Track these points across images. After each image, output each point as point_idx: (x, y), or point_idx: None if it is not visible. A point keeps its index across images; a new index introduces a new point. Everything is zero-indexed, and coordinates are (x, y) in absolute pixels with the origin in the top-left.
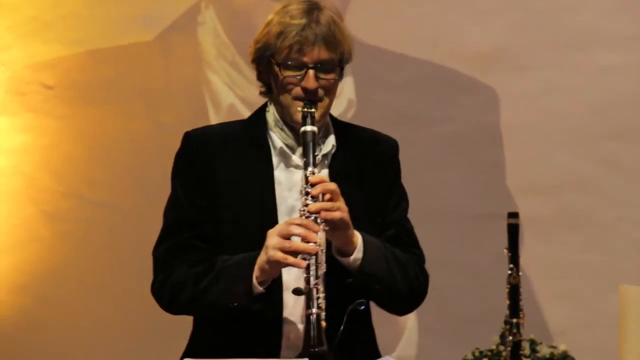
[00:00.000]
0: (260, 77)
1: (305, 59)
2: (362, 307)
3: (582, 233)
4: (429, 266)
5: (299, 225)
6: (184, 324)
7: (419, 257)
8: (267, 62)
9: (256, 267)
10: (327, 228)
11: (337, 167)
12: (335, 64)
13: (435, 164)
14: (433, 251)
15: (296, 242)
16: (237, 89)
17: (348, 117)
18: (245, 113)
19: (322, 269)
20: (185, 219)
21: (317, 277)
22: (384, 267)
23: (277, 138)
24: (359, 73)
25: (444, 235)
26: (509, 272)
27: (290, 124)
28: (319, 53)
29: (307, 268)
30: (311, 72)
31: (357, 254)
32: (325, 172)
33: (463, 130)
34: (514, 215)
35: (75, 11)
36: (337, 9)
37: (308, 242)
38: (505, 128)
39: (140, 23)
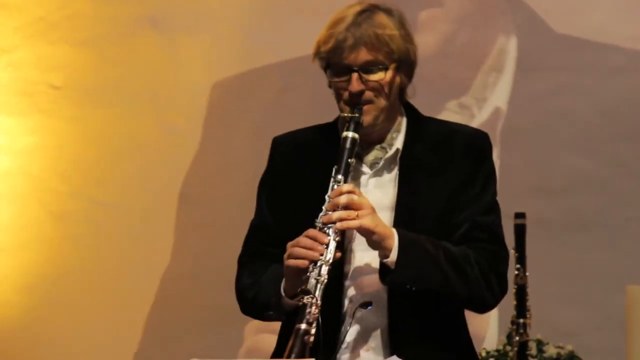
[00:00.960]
0: (329, 85)
1: (347, 62)
2: (369, 308)
3: (590, 234)
4: None
5: (308, 237)
6: (190, 325)
7: (492, 254)
8: (325, 68)
9: (283, 280)
10: (338, 239)
11: (406, 169)
12: (382, 64)
13: None
14: None
15: (296, 248)
16: None
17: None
18: None
19: (323, 282)
20: (262, 226)
21: (314, 292)
22: (426, 267)
23: None
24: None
25: None
26: (516, 272)
27: None
28: (360, 55)
29: (307, 281)
30: (354, 75)
31: (392, 257)
32: (392, 175)
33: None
34: (520, 215)
35: (82, 12)
36: (397, 9)
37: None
38: (513, 129)
39: (147, 24)
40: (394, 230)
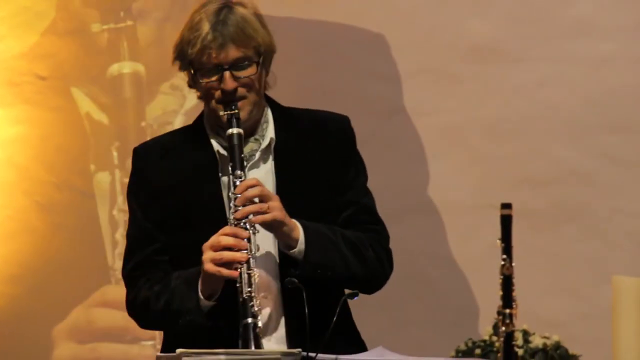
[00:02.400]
0: (189, 84)
1: (217, 61)
2: (356, 297)
3: (576, 225)
4: (420, 257)
5: (228, 234)
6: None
7: (379, 234)
8: (189, 69)
9: (200, 282)
10: (257, 231)
11: (282, 158)
12: (252, 59)
13: (429, 156)
14: (425, 243)
15: (225, 253)
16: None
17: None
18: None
19: (254, 275)
20: (144, 234)
21: (250, 285)
22: (331, 253)
23: (215, 142)
24: (351, 65)
25: (437, 227)
26: (502, 262)
27: (222, 128)
28: (230, 53)
29: (240, 277)
30: (226, 73)
31: (300, 246)
32: (269, 165)
33: (456, 121)
34: (506, 206)
35: (70, 2)
36: (252, 3)
37: (239, 249)
38: (500, 120)
39: (134, 14)
40: (296, 222)
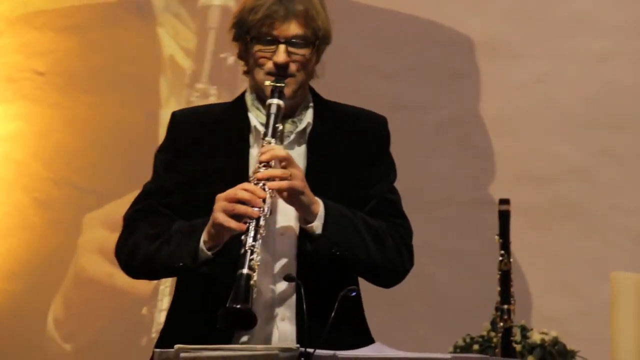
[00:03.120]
0: (240, 55)
1: (276, 33)
2: (354, 294)
3: (574, 221)
4: (419, 253)
5: (246, 190)
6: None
7: (402, 227)
8: (244, 38)
9: (204, 231)
10: (274, 195)
11: (315, 143)
12: (309, 40)
13: (428, 152)
14: (424, 238)
15: (238, 205)
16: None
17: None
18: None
19: (262, 233)
20: (159, 188)
21: (254, 240)
22: (349, 234)
23: (253, 117)
24: (351, 60)
25: (435, 223)
26: (500, 258)
27: (264, 102)
28: (291, 28)
29: (247, 231)
30: (282, 46)
31: (318, 221)
32: (302, 149)
33: (455, 117)
34: (505, 201)
35: None
36: None
37: (253, 206)
38: (498, 116)
39: (132, 10)
40: (318, 199)
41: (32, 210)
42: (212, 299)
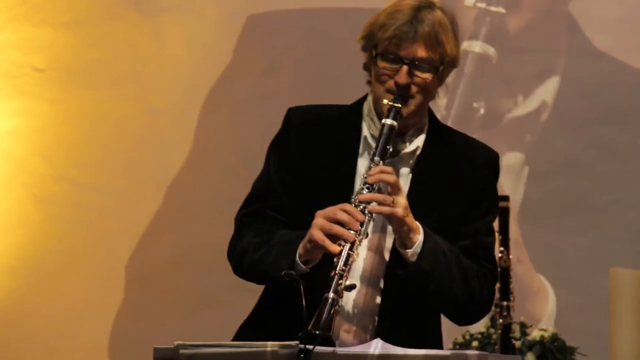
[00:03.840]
0: (365, 66)
1: (402, 53)
2: (352, 290)
3: (573, 216)
4: None
5: (345, 211)
6: (174, 306)
7: (489, 272)
8: (370, 51)
9: (301, 245)
10: (373, 219)
11: (422, 169)
12: (433, 64)
13: None
14: None
15: (336, 226)
16: None
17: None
18: None
19: (355, 257)
20: (269, 188)
21: (345, 264)
22: (441, 268)
23: (366, 126)
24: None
25: None
26: (500, 255)
27: (380, 115)
28: (417, 51)
29: (340, 253)
30: (405, 67)
31: (415, 249)
32: (406, 170)
33: (454, 113)
34: (504, 198)
35: None
36: (452, 12)
37: (350, 229)
38: (497, 112)
39: (131, 5)
40: (419, 225)
41: (31, 207)
42: (298, 311)
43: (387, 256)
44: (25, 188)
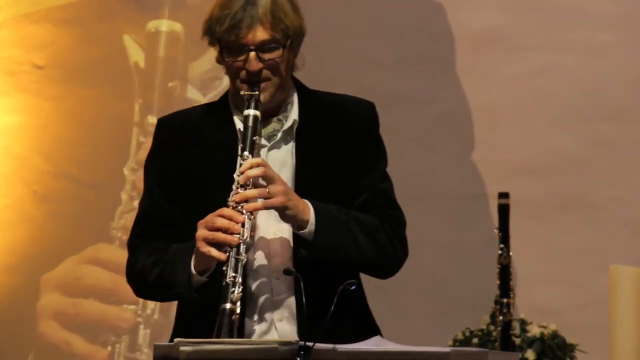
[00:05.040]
0: (218, 60)
1: (244, 41)
2: (353, 287)
3: (573, 213)
4: (418, 246)
5: (223, 216)
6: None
7: (394, 219)
8: (216, 47)
9: (193, 257)
10: (253, 217)
11: (303, 140)
12: (279, 42)
13: (425, 144)
14: (423, 232)
15: (218, 234)
16: None
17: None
18: None
19: (242, 260)
20: (153, 208)
21: (235, 271)
22: (342, 235)
23: (238, 120)
24: (348, 52)
25: (434, 216)
26: (500, 252)
27: (241, 108)
28: (258, 34)
29: (227, 260)
30: (252, 54)
31: (310, 227)
32: (289, 146)
33: (453, 110)
34: (504, 195)
35: None
36: None
37: (232, 233)
38: (496, 109)
39: (131, 3)
40: (308, 202)
41: (31, 204)
42: (209, 323)
43: (289, 241)
44: (25, 185)
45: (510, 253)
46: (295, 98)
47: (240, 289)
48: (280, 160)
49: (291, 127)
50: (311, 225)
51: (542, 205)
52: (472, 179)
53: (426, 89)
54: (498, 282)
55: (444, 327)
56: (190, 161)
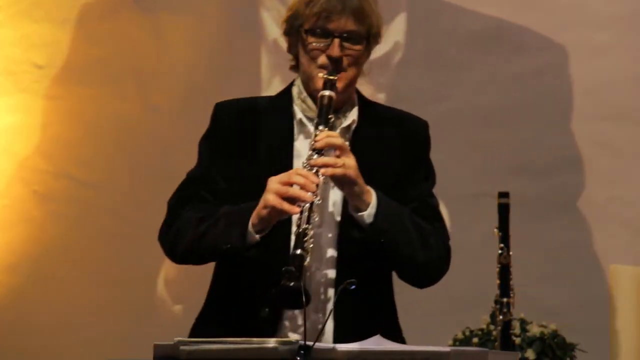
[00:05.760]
0: (290, 49)
1: (332, 27)
2: (353, 287)
3: (573, 213)
4: None
5: (300, 174)
6: (170, 301)
7: (441, 230)
8: (297, 32)
9: (254, 214)
10: (325, 182)
11: (358, 141)
12: (362, 36)
13: None
14: None
15: (293, 189)
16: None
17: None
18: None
19: (314, 217)
20: (204, 175)
21: (308, 222)
22: (398, 226)
23: (298, 109)
24: None
25: None
26: (500, 251)
27: (313, 95)
28: (346, 23)
29: (301, 213)
30: (337, 40)
31: (370, 210)
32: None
33: (454, 109)
34: (504, 195)
35: None
36: None
37: (307, 191)
38: (498, 108)
39: (131, 2)
40: (370, 188)
41: (31, 203)
42: (258, 283)
43: (336, 228)
44: (25, 185)
45: (510, 253)
46: (356, 101)
47: (312, 241)
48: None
49: (349, 126)
50: (372, 208)
51: (542, 205)
52: (472, 179)
53: (426, 88)
54: (498, 281)
55: (443, 327)
56: (244, 146)
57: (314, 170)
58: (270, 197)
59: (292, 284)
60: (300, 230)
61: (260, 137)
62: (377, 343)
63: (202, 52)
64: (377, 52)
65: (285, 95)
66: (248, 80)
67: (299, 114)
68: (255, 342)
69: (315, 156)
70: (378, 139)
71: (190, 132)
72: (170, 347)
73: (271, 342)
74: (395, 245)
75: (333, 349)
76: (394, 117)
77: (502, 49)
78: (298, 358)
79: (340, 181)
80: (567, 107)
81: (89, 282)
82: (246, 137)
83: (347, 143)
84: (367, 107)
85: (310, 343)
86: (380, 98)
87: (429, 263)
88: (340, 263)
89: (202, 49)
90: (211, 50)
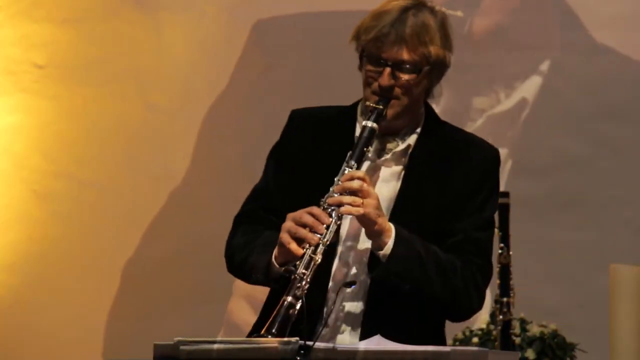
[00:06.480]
0: (359, 67)
1: (384, 56)
2: (353, 287)
3: (573, 212)
4: None
5: (311, 214)
6: (170, 302)
7: (478, 268)
8: (359, 53)
9: (276, 247)
10: (339, 223)
11: (414, 165)
12: (416, 66)
13: None
14: None
15: (301, 229)
16: None
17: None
18: None
19: (317, 260)
20: (265, 191)
21: (306, 268)
22: (414, 268)
23: (359, 127)
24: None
25: None
26: (500, 251)
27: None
28: (398, 53)
29: (302, 257)
30: (387, 69)
31: (386, 251)
32: (399, 169)
33: (454, 109)
34: (504, 195)
35: None
36: (441, 9)
37: (315, 232)
38: (497, 109)
39: (131, 2)
40: (392, 226)
41: (31, 203)
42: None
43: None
44: (25, 184)
45: (510, 252)
46: (421, 125)
47: (306, 287)
48: (386, 179)
49: (405, 150)
50: (387, 249)
51: (542, 205)
52: None
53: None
54: (498, 281)
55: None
56: (307, 158)
57: (329, 210)
58: (282, 235)
59: (268, 336)
60: (296, 275)
61: (322, 149)
62: (377, 343)
63: (202, 52)
64: None
65: (352, 109)
66: (248, 81)
67: (358, 131)
68: (255, 342)
69: (337, 194)
70: (436, 164)
71: (190, 132)
72: (170, 347)
73: (271, 342)
74: (410, 286)
75: (333, 349)
76: (459, 142)
77: (502, 48)
78: (298, 358)
79: (359, 220)
80: (567, 107)
81: (88, 282)
82: (312, 148)
83: (400, 168)
84: (432, 130)
85: (310, 343)
86: None
87: (452, 304)
88: (370, 293)
89: (202, 49)
90: (211, 50)
